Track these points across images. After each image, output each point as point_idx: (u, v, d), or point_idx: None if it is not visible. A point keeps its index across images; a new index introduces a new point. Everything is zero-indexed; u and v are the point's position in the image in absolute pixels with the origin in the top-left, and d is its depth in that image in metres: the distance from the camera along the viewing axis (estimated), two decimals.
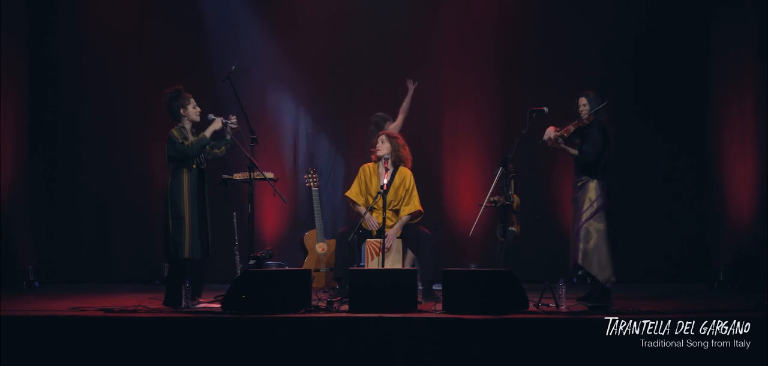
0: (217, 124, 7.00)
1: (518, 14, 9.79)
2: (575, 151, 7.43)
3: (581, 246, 7.28)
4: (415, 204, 7.72)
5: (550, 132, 7.35)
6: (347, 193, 7.86)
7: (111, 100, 9.94)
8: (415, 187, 7.79)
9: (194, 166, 6.97)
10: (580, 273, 7.58)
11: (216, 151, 7.19)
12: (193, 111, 7.05)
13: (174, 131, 6.94)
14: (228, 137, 7.16)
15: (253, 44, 9.84)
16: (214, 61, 9.44)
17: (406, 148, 7.90)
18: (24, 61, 9.59)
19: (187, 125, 7.04)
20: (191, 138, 6.97)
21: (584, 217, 7.29)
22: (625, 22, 9.59)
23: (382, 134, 7.82)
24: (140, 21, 9.92)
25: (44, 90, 9.85)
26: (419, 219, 7.80)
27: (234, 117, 7.12)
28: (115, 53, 9.88)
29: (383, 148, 7.73)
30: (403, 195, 7.75)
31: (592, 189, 7.33)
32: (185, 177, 6.92)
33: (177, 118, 7.03)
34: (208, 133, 6.96)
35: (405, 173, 7.80)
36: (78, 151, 9.93)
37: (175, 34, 9.84)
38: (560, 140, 7.35)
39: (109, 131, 9.94)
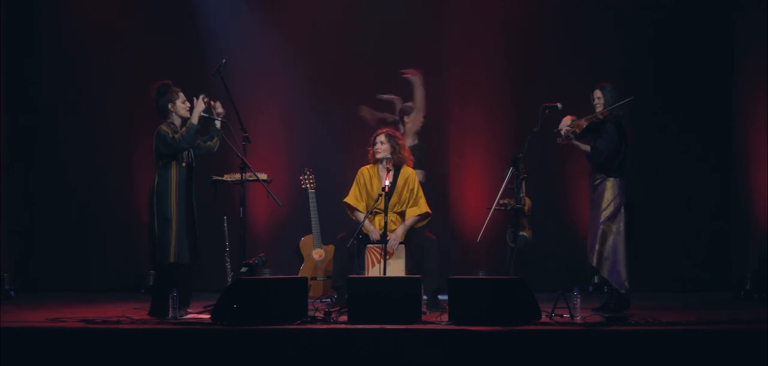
0: (200, 104, 6.95)
1: (530, 3, 9.78)
2: (587, 148, 7.42)
3: (597, 248, 7.27)
4: (422, 206, 7.71)
5: (566, 122, 7.34)
6: (346, 200, 7.83)
7: (93, 101, 9.95)
8: (420, 188, 7.79)
9: (183, 164, 6.97)
10: (596, 280, 7.58)
11: (208, 143, 7.17)
12: (182, 106, 7.04)
13: (163, 127, 6.94)
14: (216, 125, 7.13)
15: (246, 38, 9.83)
16: (204, 57, 9.43)
17: (407, 148, 7.89)
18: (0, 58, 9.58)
19: (177, 122, 7.02)
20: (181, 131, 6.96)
21: (602, 217, 7.29)
22: (645, 12, 9.57)
23: (382, 134, 7.79)
24: (124, 17, 9.91)
25: (22, 89, 9.84)
26: (427, 221, 7.79)
27: (218, 101, 7.10)
28: (98, 52, 9.87)
29: (383, 148, 7.70)
30: (407, 197, 7.74)
31: (610, 188, 7.32)
32: (173, 175, 6.92)
33: (165, 115, 7.03)
34: (194, 118, 6.93)
35: (408, 173, 7.79)
36: (58, 153, 9.94)
37: (162, 29, 9.84)
38: (572, 136, 7.34)
39: (91, 132, 9.95)
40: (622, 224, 7.28)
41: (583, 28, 9.70)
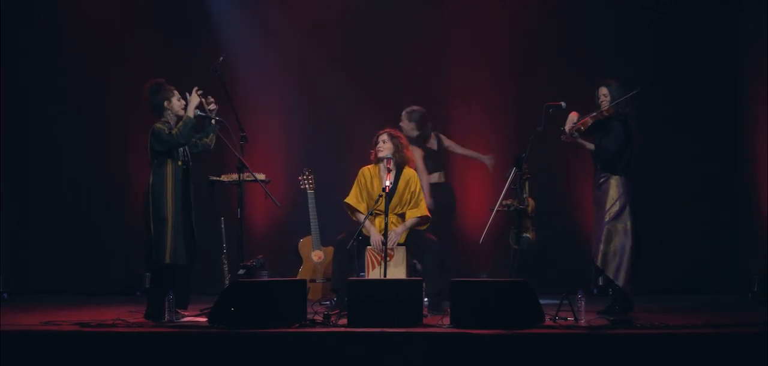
0: (195, 97, 6.92)
1: (531, 3, 9.75)
2: (592, 146, 7.37)
3: (601, 248, 7.22)
4: (422, 208, 7.68)
5: (572, 119, 7.29)
6: (346, 200, 7.81)
7: (92, 101, 9.92)
8: (421, 190, 7.77)
9: (179, 162, 6.93)
10: (601, 282, 7.52)
11: (204, 140, 7.14)
12: (178, 104, 7.02)
13: (158, 124, 6.91)
14: (212, 122, 7.09)
15: (245, 37, 9.80)
16: (204, 56, 9.36)
17: (410, 148, 7.87)
18: None
19: (172, 120, 6.99)
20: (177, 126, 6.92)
21: (607, 217, 7.23)
22: (646, 12, 9.56)
23: (384, 133, 7.77)
24: (124, 17, 9.88)
25: (21, 89, 9.81)
26: (426, 225, 7.76)
27: (212, 98, 7.06)
28: (97, 52, 9.84)
29: (385, 148, 7.68)
30: (408, 198, 7.71)
31: (614, 187, 7.26)
32: (169, 175, 6.89)
33: (160, 113, 7.00)
34: (189, 111, 6.90)
35: (410, 174, 7.76)
36: (52, 152, 9.91)
37: (162, 29, 9.82)
38: (576, 134, 7.30)
39: (90, 133, 9.91)
40: (628, 223, 7.22)
41: (584, 27, 9.68)
